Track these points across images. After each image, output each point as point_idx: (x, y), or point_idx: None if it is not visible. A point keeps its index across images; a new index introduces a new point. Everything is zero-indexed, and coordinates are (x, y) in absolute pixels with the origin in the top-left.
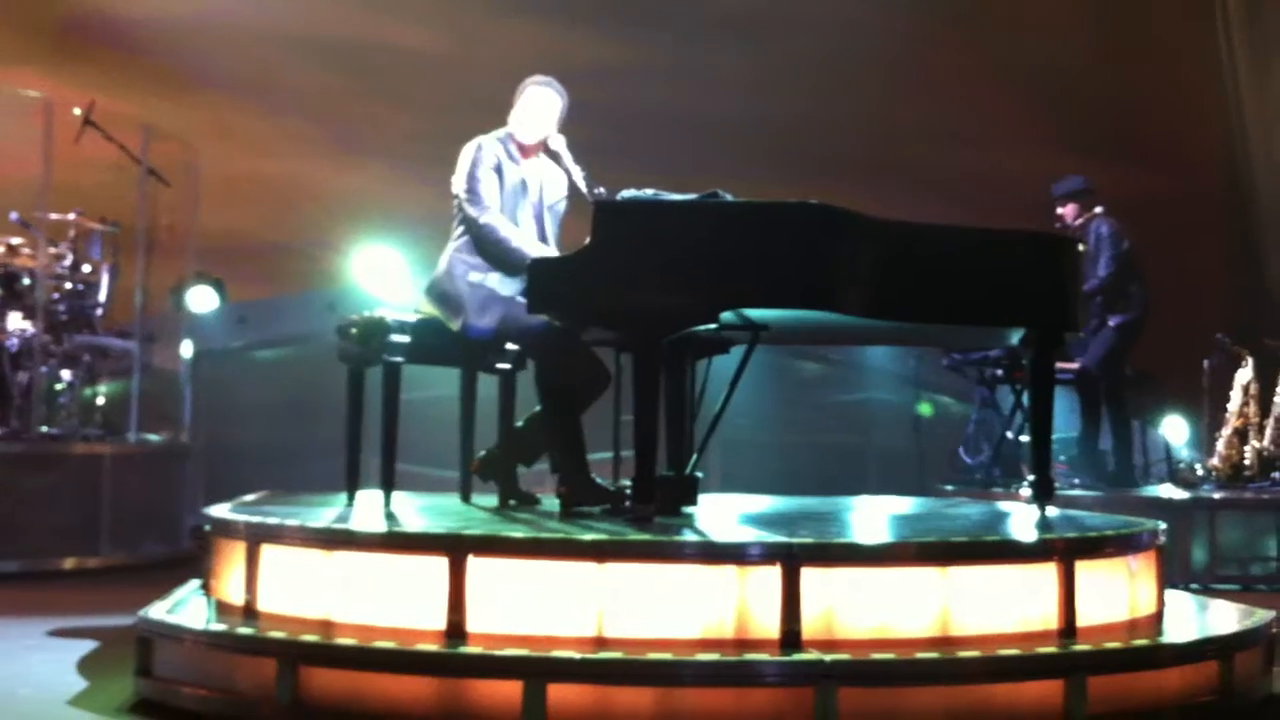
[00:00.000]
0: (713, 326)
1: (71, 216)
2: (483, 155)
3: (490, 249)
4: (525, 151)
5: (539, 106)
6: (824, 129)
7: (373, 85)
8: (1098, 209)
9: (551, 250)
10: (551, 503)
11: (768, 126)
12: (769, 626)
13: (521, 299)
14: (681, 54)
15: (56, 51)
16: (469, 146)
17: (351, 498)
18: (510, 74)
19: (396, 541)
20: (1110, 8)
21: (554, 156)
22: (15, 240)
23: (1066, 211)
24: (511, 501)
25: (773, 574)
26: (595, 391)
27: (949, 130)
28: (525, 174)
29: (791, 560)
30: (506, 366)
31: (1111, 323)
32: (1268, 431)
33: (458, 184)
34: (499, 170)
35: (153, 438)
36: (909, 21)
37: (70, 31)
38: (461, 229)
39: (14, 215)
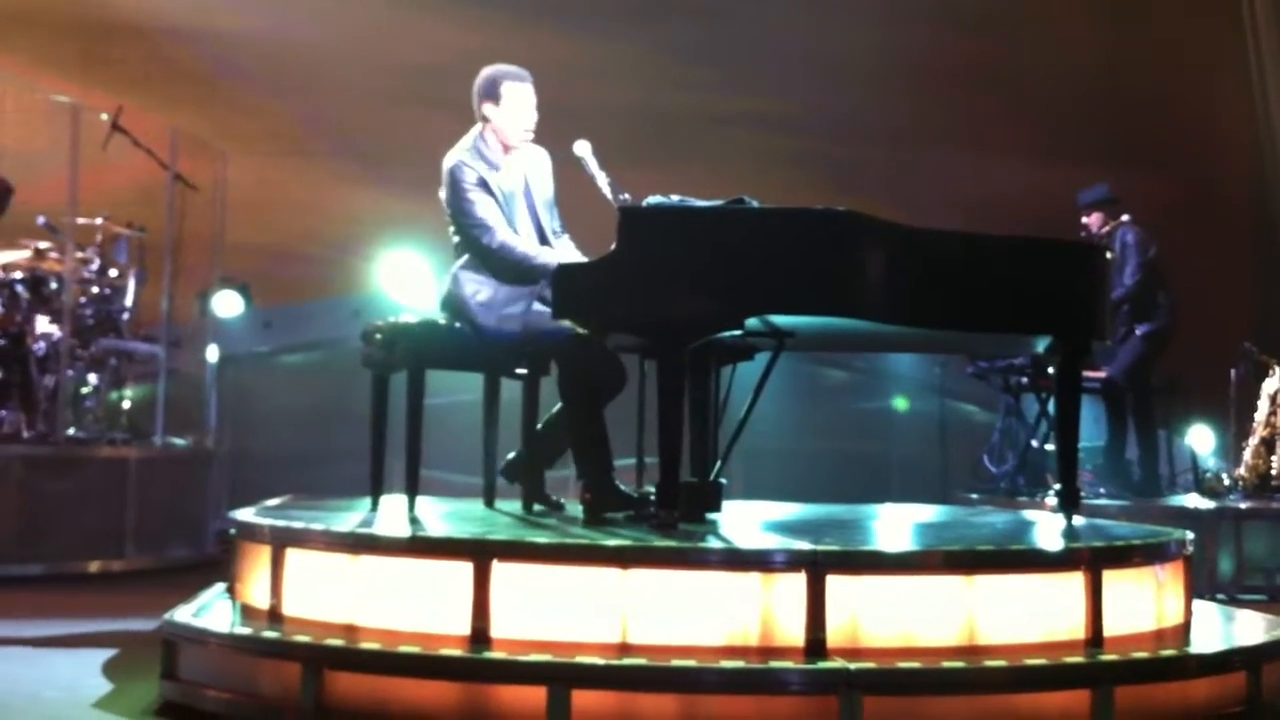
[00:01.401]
0: (738, 333)
1: (99, 221)
2: (464, 175)
3: (511, 267)
4: (507, 151)
5: (526, 103)
6: (839, 133)
7: (399, 91)
8: (1124, 217)
9: (560, 247)
10: (575, 508)
11: (788, 129)
12: (793, 634)
13: (538, 305)
14: (699, 57)
15: (85, 57)
16: (446, 168)
17: (376, 502)
18: (539, 79)
19: (421, 546)
20: (1130, 12)
21: (578, 162)
22: (43, 244)
23: (1092, 220)
24: (536, 507)
25: (797, 581)
26: (613, 391)
27: (959, 136)
28: (509, 177)
29: (816, 567)
30: (528, 371)
31: (1138, 331)
32: None
33: (452, 211)
34: (483, 184)
35: (178, 442)
36: (920, 26)
37: (98, 37)
38: (462, 244)
39: (41, 220)
